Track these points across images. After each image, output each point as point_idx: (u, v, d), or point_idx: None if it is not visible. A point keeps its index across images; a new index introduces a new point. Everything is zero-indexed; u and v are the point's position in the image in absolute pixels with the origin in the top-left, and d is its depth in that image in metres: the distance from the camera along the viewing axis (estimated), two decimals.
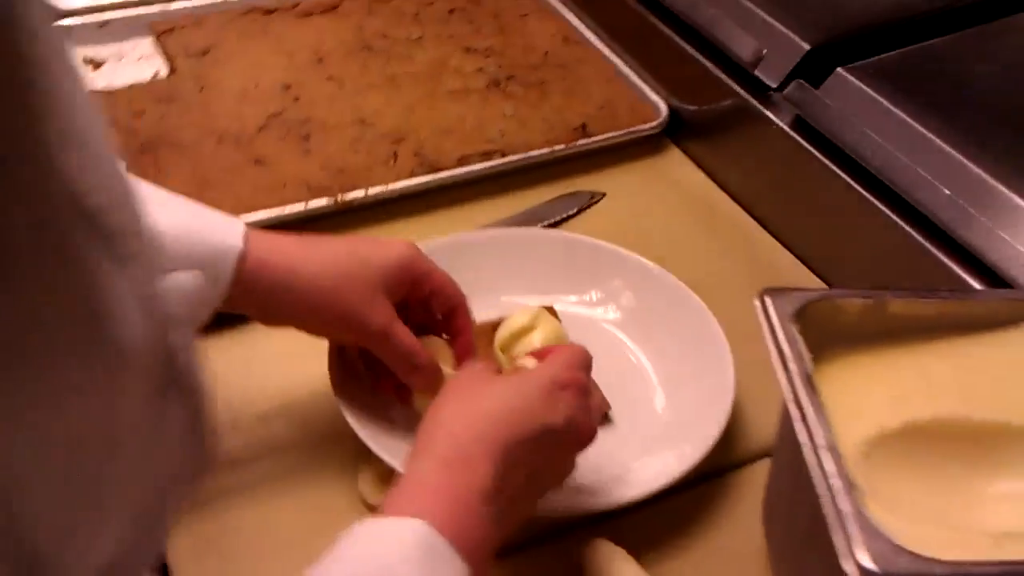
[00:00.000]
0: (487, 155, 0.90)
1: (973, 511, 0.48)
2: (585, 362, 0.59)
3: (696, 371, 0.69)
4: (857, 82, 0.80)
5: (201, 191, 0.84)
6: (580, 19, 1.08)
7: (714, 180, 0.92)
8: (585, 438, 0.56)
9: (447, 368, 0.64)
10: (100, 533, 0.32)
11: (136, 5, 1.06)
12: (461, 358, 0.65)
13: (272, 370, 0.72)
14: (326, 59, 1.01)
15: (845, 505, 0.44)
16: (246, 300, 0.59)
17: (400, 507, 0.49)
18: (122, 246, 0.29)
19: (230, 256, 0.57)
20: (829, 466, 0.46)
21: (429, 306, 0.65)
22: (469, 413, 0.53)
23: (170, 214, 0.57)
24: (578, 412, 0.55)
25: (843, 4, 0.89)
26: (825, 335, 0.54)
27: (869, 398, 0.52)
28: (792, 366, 0.51)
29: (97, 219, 0.28)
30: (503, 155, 0.90)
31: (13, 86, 0.24)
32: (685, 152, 0.95)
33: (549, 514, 0.60)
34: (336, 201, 0.84)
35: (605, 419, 0.68)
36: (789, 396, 0.50)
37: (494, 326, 0.72)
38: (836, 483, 0.45)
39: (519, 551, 0.61)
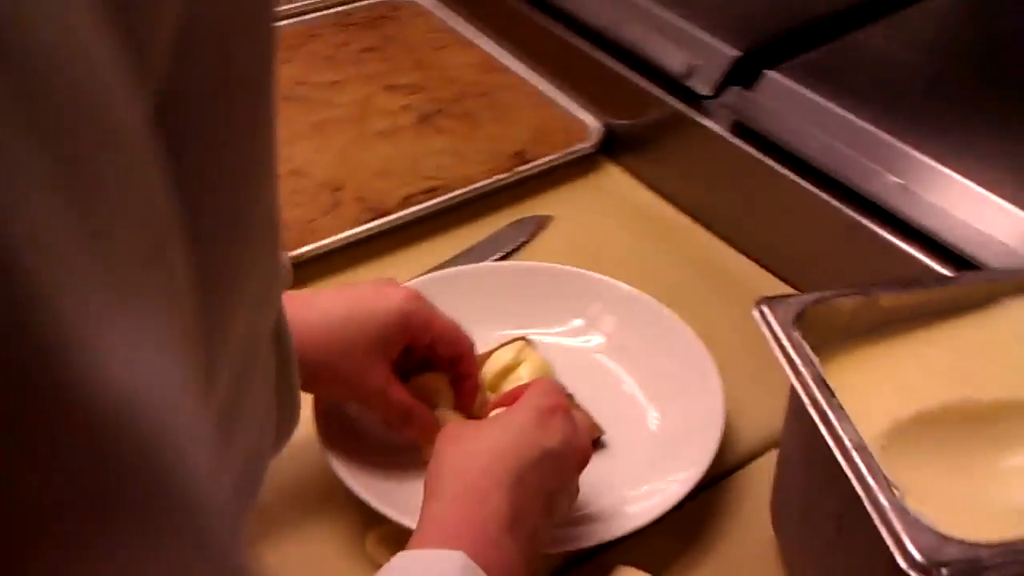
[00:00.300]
0: (430, 192, 0.89)
1: (993, 489, 0.50)
2: (558, 389, 0.60)
3: (683, 386, 0.70)
4: (788, 82, 0.82)
5: None
6: (498, 46, 1.08)
7: (657, 192, 0.93)
8: (582, 457, 0.57)
9: (447, 408, 0.63)
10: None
11: None
12: (465, 403, 0.64)
13: None
14: None
15: (886, 501, 0.45)
16: None
17: (425, 546, 0.48)
18: None
19: None
20: (863, 464, 0.47)
21: (432, 349, 0.64)
22: (470, 452, 0.54)
23: None
24: (570, 432, 0.56)
25: (764, 8, 0.92)
26: (822, 336, 0.55)
27: (876, 393, 0.53)
28: (804, 371, 0.51)
29: None
30: (446, 190, 0.90)
31: None
32: (623, 167, 0.96)
33: (564, 548, 0.60)
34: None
35: (598, 444, 0.68)
36: (807, 401, 0.50)
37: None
38: (873, 481, 0.46)
39: None
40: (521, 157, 0.94)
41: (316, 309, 0.60)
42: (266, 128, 0.31)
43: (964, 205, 0.70)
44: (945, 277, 0.59)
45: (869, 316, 0.57)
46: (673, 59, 0.87)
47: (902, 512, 0.44)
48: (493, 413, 0.61)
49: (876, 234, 0.74)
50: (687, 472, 0.63)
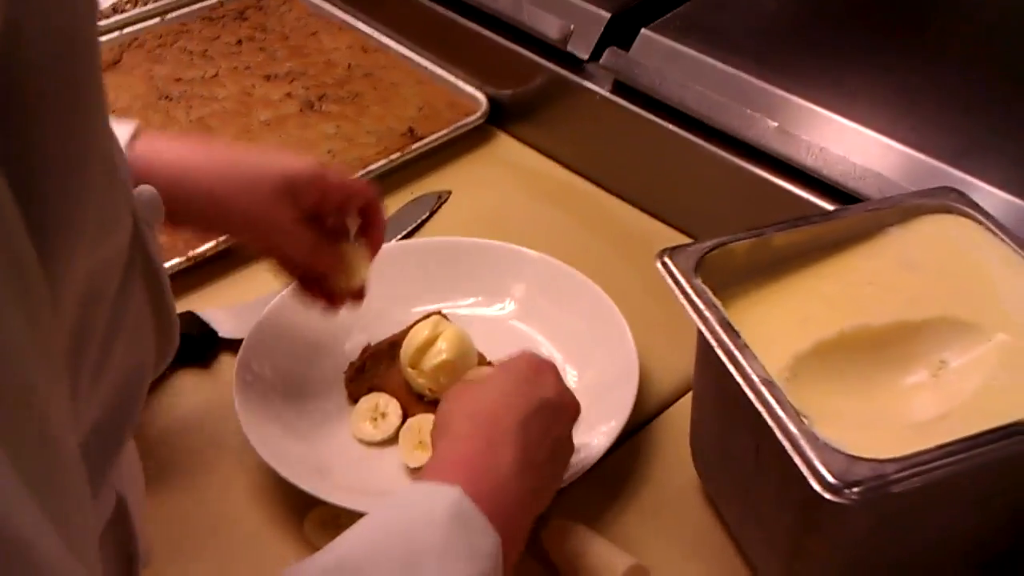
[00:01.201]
0: None
1: (894, 407, 0.53)
2: (541, 355, 0.62)
3: (597, 343, 0.72)
4: (663, 39, 0.84)
5: None
6: (373, 28, 1.07)
7: (549, 156, 0.95)
8: (574, 409, 0.60)
9: (363, 270, 0.66)
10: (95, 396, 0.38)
11: None
12: (375, 247, 0.67)
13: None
14: (126, 115, 0.97)
15: (796, 430, 0.48)
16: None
17: (437, 475, 0.50)
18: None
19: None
20: (772, 398, 0.49)
21: (341, 213, 0.65)
22: (476, 398, 0.56)
23: None
24: (561, 385, 0.59)
25: None
26: (722, 280, 0.58)
27: (777, 329, 0.56)
28: (708, 315, 0.54)
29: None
30: None
31: None
32: (514, 135, 0.97)
33: None
34: (187, 258, 0.81)
35: None
36: (714, 343, 0.53)
37: (392, 343, 0.73)
38: (782, 412, 0.49)
39: None
40: (412, 135, 0.94)
41: (217, 155, 0.62)
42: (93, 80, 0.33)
43: (840, 141, 0.74)
44: (831, 212, 0.62)
45: (764, 256, 0.60)
46: (549, 26, 0.88)
47: (812, 439, 0.47)
48: (472, 373, 0.66)
49: (761, 177, 0.77)
50: (608, 424, 0.66)
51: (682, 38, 0.84)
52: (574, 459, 0.64)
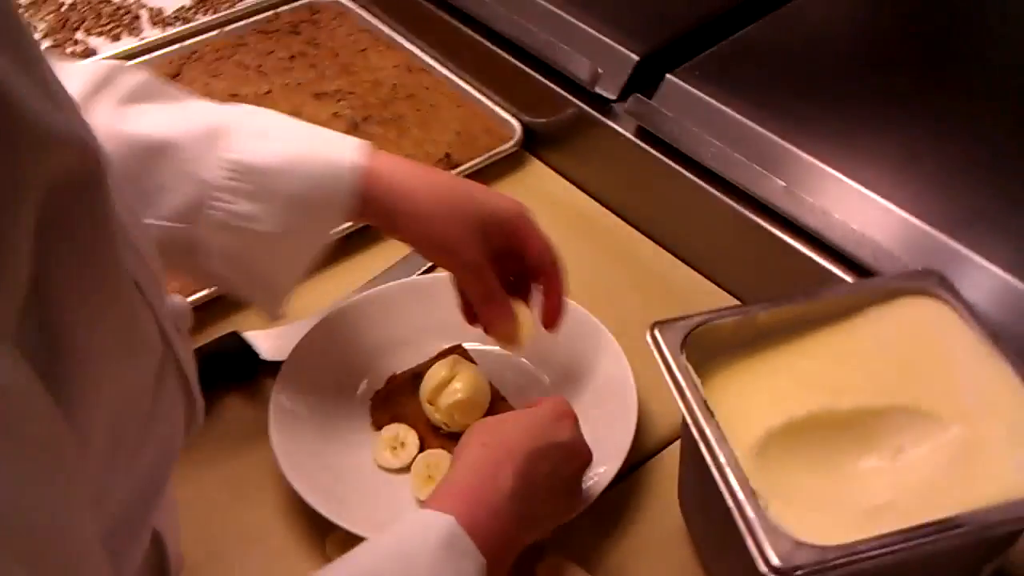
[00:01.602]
0: None
1: (850, 488, 0.58)
2: (568, 404, 0.69)
3: (600, 389, 0.78)
4: (686, 86, 0.88)
5: None
6: (418, 48, 1.13)
7: (577, 185, 1.00)
8: (586, 457, 0.67)
9: (523, 333, 0.73)
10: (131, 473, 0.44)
11: None
12: (548, 318, 0.73)
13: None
14: None
15: (750, 512, 0.53)
16: (369, 212, 0.68)
17: (433, 506, 0.57)
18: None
19: (353, 172, 0.66)
20: (733, 480, 0.55)
21: (525, 267, 0.72)
22: (495, 431, 0.63)
23: (298, 140, 0.68)
24: (577, 434, 0.66)
25: (663, 9, 0.97)
26: (709, 351, 0.64)
27: (754, 402, 0.61)
28: (689, 395, 0.59)
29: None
30: None
31: None
32: (545, 163, 1.03)
33: None
34: None
35: None
36: (691, 422, 0.58)
37: (414, 375, 0.79)
38: (741, 494, 0.54)
39: None
40: (449, 160, 1.00)
41: (438, 181, 0.69)
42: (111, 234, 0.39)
43: (845, 203, 0.78)
44: (812, 292, 0.66)
45: (749, 331, 0.65)
46: (579, 66, 0.93)
47: (764, 521, 0.53)
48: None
49: (769, 232, 0.82)
50: (605, 467, 0.72)
51: (704, 85, 0.88)
52: None
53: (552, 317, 0.74)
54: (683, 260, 0.92)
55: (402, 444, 0.76)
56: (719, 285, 0.89)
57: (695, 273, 0.91)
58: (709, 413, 0.58)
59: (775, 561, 0.51)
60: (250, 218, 0.65)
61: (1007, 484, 0.55)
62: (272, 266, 0.69)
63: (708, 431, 0.57)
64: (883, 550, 0.52)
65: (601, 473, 0.71)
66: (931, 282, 0.66)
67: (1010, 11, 0.95)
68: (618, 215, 0.97)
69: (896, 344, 0.63)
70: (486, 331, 0.74)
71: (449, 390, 0.75)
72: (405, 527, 0.56)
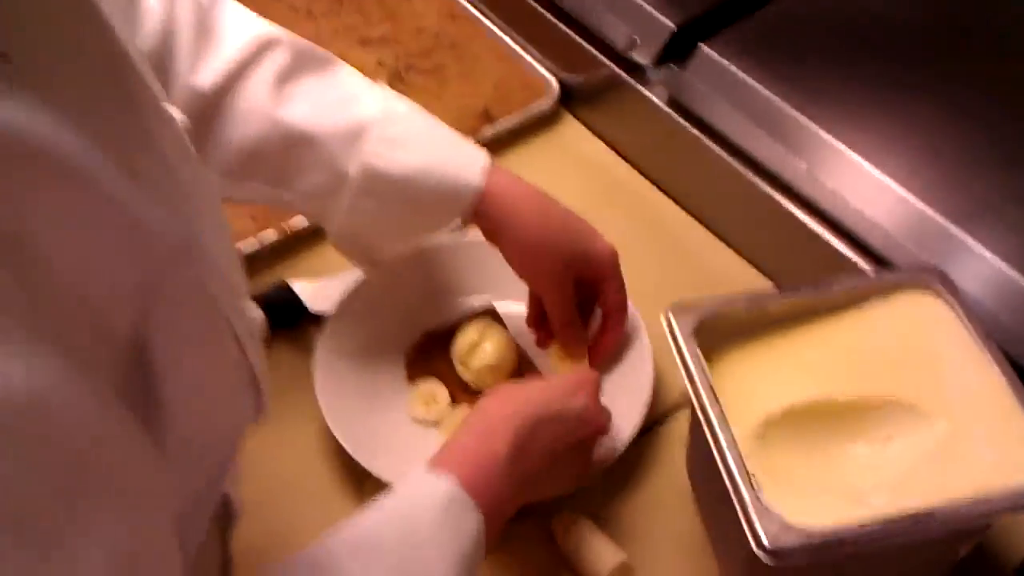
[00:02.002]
0: None
1: (839, 473, 0.64)
2: (594, 375, 0.75)
3: (620, 359, 0.83)
4: (718, 57, 0.91)
5: None
6: None
7: (611, 146, 1.04)
8: (599, 426, 0.72)
9: (575, 364, 0.80)
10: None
11: None
12: (598, 356, 0.80)
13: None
14: None
15: (745, 494, 0.60)
16: (479, 223, 0.77)
17: (436, 466, 0.63)
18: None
19: (471, 192, 0.75)
20: (732, 463, 0.61)
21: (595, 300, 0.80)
22: (504, 400, 0.69)
23: (427, 153, 0.75)
24: (592, 404, 0.71)
25: None
26: (720, 335, 0.69)
27: (757, 389, 0.67)
28: (697, 380, 0.65)
29: None
30: None
31: None
32: (579, 119, 1.06)
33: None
34: (284, 230, 0.94)
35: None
36: (697, 406, 0.64)
37: (450, 331, 0.85)
38: (738, 477, 0.60)
39: (509, 522, 0.76)
40: (487, 115, 1.04)
41: (545, 209, 0.77)
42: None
43: (862, 187, 0.82)
44: (820, 284, 0.71)
45: (759, 319, 0.70)
46: (616, 32, 0.96)
47: (757, 504, 0.59)
48: None
49: (787, 210, 0.86)
50: (618, 434, 0.78)
51: (736, 57, 0.90)
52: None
53: (602, 356, 0.81)
54: (709, 228, 0.96)
55: (434, 399, 0.82)
56: (741, 255, 0.94)
57: (719, 242, 0.95)
58: (714, 398, 0.64)
59: (765, 541, 0.58)
60: (373, 213, 0.74)
61: (980, 480, 0.61)
62: (380, 245, 0.79)
63: (712, 415, 0.63)
64: (864, 535, 0.58)
65: (616, 435, 0.78)
66: (932, 278, 0.70)
67: None
68: (648, 179, 1.01)
69: (893, 339, 0.68)
70: (559, 346, 0.81)
71: (479, 353, 0.81)
72: (408, 488, 0.62)
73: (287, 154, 0.74)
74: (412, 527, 0.58)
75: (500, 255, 0.89)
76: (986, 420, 0.63)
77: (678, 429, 0.82)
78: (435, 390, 0.82)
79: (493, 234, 0.77)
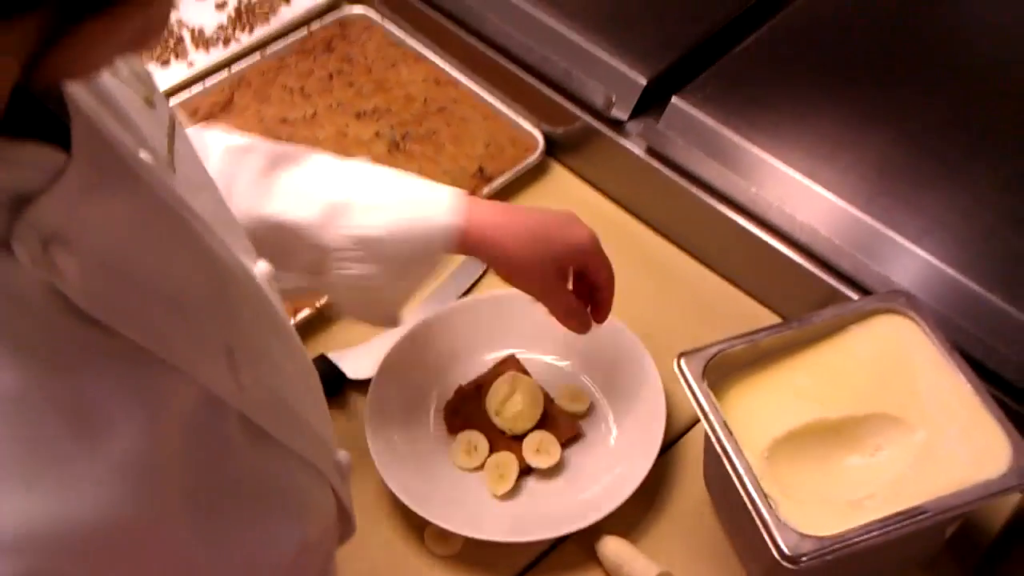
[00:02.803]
0: None
1: (839, 484, 0.75)
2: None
3: (634, 390, 0.94)
4: (690, 108, 1.01)
5: None
6: (444, 60, 1.25)
7: (599, 191, 1.14)
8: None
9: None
10: None
11: None
12: (599, 315, 0.88)
13: None
14: None
15: (765, 512, 0.71)
16: (470, 254, 0.83)
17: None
18: None
19: (448, 231, 0.80)
20: (750, 486, 0.72)
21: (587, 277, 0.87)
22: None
23: (399, 209, 0.81)
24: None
25: (668, 30, 1.09)
26: (723, 372, 0.80)
27: (762, 415, 0.78)
28: (712, 417, 0.76)
29: None
30: None
31: None
32: (566, 166, 1.16)
33: (566, 531, 0.86)
34: (316, 307, 1.03)
35: (576, 439, 0.93)
36: (714, 440, 0.75)
37: (477, 385, 0.96)
38: (756, 498, 0.71)
39: (553, 550, 0.88)
40: (482, 173, 1.14)
41: (519, 223, 0.83)
42: None
43: (829, 215, 0.93)
44: (804, 318, 0.82)
45: (755, 354, 0.81)
46: (595, 93, 1.06)
47: (775, 519, 0.70)
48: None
49: (765, 242, 0.96)
50: (642, 460, 0.88)
51: (706, 106, 1.00)
52: (616, 487, 0.87)
53: (599, 319, 0.89)
54: (696, 258, 1.07)
55: (475, 447, 0.92)
56: (732, 283, 1.05)
57: (710, 272, 1.06)
58: (728, 432, 0.75)
59: (786, 551, 0.69)
60: (364, 277, 0.81)
61: (960, 475, 0.72)
62: (386, 302, 0.86)
63: (728, 447, 0.74)
64: (867, 536, 0.69)
65: (641, 465, 0.88)
66: (900, 302, 0.81)
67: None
68: (635, 217, 1.11)
69: (872, 359, 0.79)
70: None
71: (511, 403, 0.91)
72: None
73: (273, 241, 0.78)
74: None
75: (515, 307, 0.99)
76: (959, 422, 0.75)
77: (693, 447, 0.93)
78: (475, 440, 0.93)
79: (482, 259, 0.85)
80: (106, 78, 0.48)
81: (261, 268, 0.61)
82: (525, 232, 0.83)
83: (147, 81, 0.54)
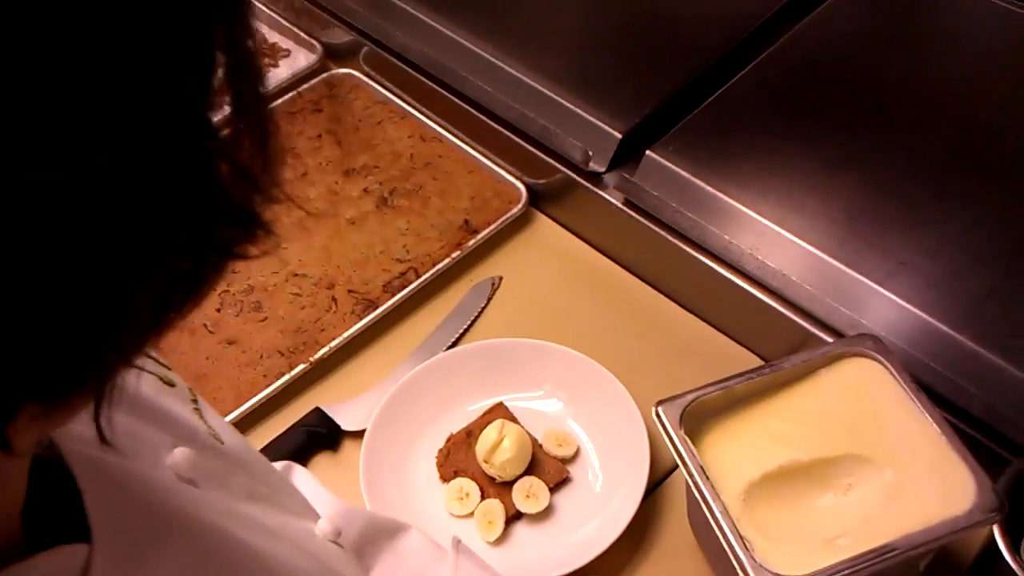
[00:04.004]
0: (403, 275, 1.14)
1: (812, 523, 0.78)
2: None
3: (618, 434, 0.97)
4: (663, 161, 1.05)
5: (201, 385, 1.06)
6: (428, 117, 1.29)
7: (581, 239, 1.18)
8: None
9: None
10: None
11: None
12: None
13: None
14: None
15: (741, 555, 0.74)
16: None
17: None
18: None
19: None
20: (727, 529, 0.75)
21: None
22: None
23: None
24: None
25: (640, 84, 1.13)
26: (700, 419, 0.83)
27: (737, 459, 0.81)
28: (689, 463, 0.79)
29: None
30: (416, 272, 1.14)
31: None
32: (548, 216, 1.20)
33: (563, 571, 0.89)
34: (311, 362, 1.07)
35: (564, 482, 0.96)
36: (692, 485, 0.78)
37: (467, 432, 0.99)
38: (733, 540, 0.75)
39: None
40: (468, 226, 1.18)
41: None
42: None
43: (799, 261, 0.97)
44: (775, 363, 0.85)
45: (729, 399, 0.84)
46: (573, 149, 1.10)
47: (751, 561, 0.73)
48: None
49: (741, 288, 1.00)
50: (629, 501, 0.92)
51: (678, 159, 1.05)
52: (602, 529, 0.91)
53: None
54: (680, 304, 1.11)
55: (467, 495, 0.96)
56: (712, 325, 1.08)
57: (690, 316, 1.10)
58: (705, 476, 0.78)
59: None
60: None
61: (929, 513, 0.75)
62: None
63: (706, 492, 0.77)
64: (840, 574, 0.72)
65: (624, 511, 0.92)
66: (867, 345, 0.85)
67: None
68: (620, 265, 1.15)
69: (841, 401, 0.83)
70: None
71: (501, 449, 0.95)
72: None
73: None
74: None
75: (502, 356, 1.03)
76: (926, 461, 0.78)
77: (678, 488, 0.96)
78: (467, 487, 0.96)
79: None
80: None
81: (323, 526, 0.60)
82: None
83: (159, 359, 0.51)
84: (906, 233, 0.97)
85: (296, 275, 1.16)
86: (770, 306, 0.99)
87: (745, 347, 1.07)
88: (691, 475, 0.79)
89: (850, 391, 0.83)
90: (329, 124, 1.32)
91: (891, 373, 0.83)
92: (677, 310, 1.11)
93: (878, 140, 1.05)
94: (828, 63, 1.13)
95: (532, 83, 1.15)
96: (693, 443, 0.81)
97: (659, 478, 0.98)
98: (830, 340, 0.95)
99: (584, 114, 1.11)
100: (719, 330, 1.08)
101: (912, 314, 0.91)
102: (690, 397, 0.83)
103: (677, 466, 0.96)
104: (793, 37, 1.15)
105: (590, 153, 1.09)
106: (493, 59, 1.18)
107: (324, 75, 1.37)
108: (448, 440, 1.00)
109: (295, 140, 1.30)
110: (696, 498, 0.79)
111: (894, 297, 0.92)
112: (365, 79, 1.35)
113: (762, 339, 1.04)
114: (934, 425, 0.79)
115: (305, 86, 1.36)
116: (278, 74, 1.38)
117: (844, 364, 0.85)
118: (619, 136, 1.09)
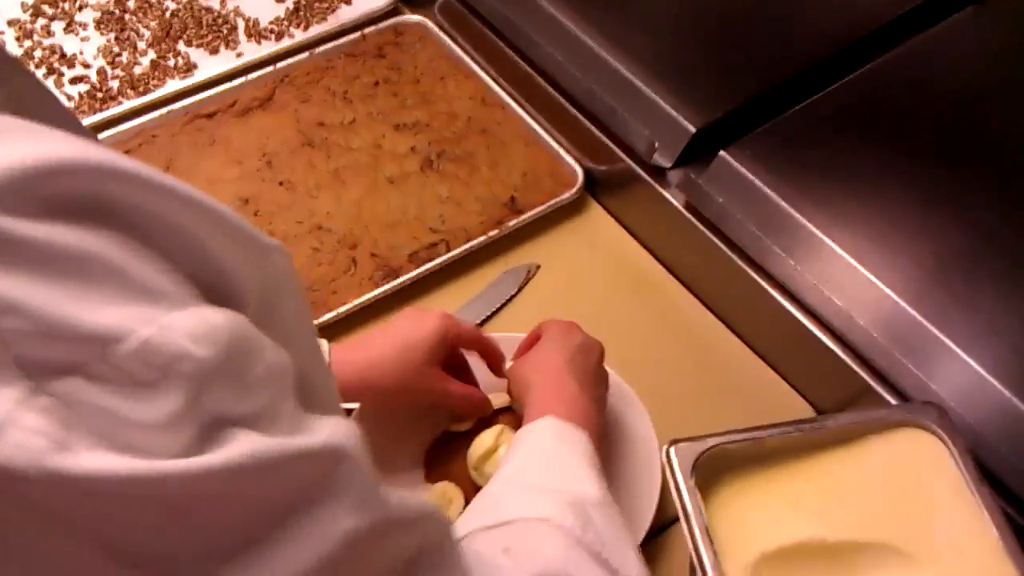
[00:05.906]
0: (433, 246, 1.04)
1: None
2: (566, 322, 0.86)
3: (630, 457, 0.86)
4: (737, 165, 0.93)
5: None
6: (493, 80, 1.18)
7: (633, 236, 1.06)
8: (600, 348, 0.85)
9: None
10: None
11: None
12: (495, 370, 0.90)
13: None
14: (274, 161, 1.13)
15: None
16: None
17: (534, 418, 0.74)
18: None
19: None
20: None
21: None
22: (536, 359, 0.82)
23: None
24: (585, 335, 0.85)
25: (725, 80, 1.01)
26: (720, 467, 0.72)
27: (754, 523, 0.70)
28: (693, 521, 0.68)
29: None
30: (447, 245, 1.04)
31: None
32: (603, 206, 1.09)
33: None
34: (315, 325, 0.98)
35: None
36: (691, 547, 0.67)
37: (463, 433, 0.89)
38: None
39: None
40: (513, 204, 1.07)
41: (377, 349, 0.83)
42: None
43: (868, 308, 0.84)
44: (820, 419, 0.73)
45: (758, 452, 0.72)
46: (638, 137, 0.99)
47: None
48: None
49: (798, 320, 0.88)
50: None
51: (754, 165, 0.92)
52: None
53: (496, 371, 0.90)
54: (727, 325, 0.99)
55: (450, 501, 0.86)
56: (762, 358, 0.96)
57: (740, 343, 0.98)
58: (709, 540, 0.67)
59: None
60: None
61: None
62: None
63: (705, 558, 0.66)
64: None
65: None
66: (930, 416, 0.72)
67: None
68: (668, 270, 1.04)
69: (887, 479, 0.70)
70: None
71: (493, 459, 0.84)
72: (525, 440, 0.72)
73: None
74: (540, 454, 0.70)
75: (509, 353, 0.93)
76: (973, 566, 0.65)
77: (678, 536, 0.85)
78: (450, 493, 0.86)
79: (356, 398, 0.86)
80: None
81: None
82: (390, 359, 0.83)
83: None
84: (1003, 293, 0.83)
85: (320, 228, 1.06)
86: (828, 348, 0.86)
87: (795, 389, 0.94)
88: (691, 534, 0.67)
89: (900, 467, 0.71)
90: (389, 72, 1.22)
91: (952, 454, 0.70)
92: (727, 334, 0.99)
93: (985, 182, 0.91)
94: (941, 85, 0.99)
95: (607, 57, 1.03)
96: (706, 495, 0.70)
97: (668, 520, 0.86)
98: (890, 399, 0.82)
99: (658, 100, 0.99)
100: (769, 365, 0.96)
101: (992, 388, 0.78)
102: (711, 442, 0.72)
103: None
104: (905, 51, 1.01)
105: (656, 145, 0.97)
106: (571, 26, 1.06)
107: (394, 20, 1.27)
108: (440, 437, 0.90)
109: (350, 84, 1.21)
110: (694, 561, 0.67)
111: (974, 364, 0.79)
112: (436, 29, 1.25)
113: (814, 383, 0.92)
114: (991, 524, 0.67)
115: (371, 28, 1.26)
116: (347, 12, 1.29)
117: (899, 434, 0.72)
118: (693, 130, 0.96)
